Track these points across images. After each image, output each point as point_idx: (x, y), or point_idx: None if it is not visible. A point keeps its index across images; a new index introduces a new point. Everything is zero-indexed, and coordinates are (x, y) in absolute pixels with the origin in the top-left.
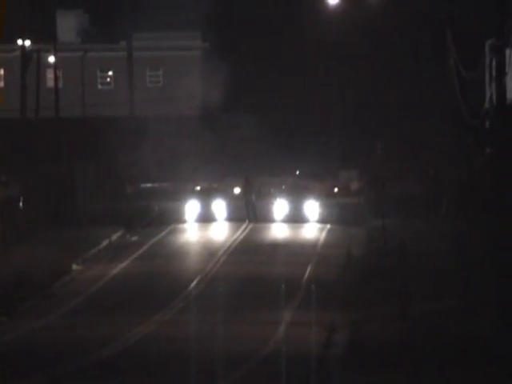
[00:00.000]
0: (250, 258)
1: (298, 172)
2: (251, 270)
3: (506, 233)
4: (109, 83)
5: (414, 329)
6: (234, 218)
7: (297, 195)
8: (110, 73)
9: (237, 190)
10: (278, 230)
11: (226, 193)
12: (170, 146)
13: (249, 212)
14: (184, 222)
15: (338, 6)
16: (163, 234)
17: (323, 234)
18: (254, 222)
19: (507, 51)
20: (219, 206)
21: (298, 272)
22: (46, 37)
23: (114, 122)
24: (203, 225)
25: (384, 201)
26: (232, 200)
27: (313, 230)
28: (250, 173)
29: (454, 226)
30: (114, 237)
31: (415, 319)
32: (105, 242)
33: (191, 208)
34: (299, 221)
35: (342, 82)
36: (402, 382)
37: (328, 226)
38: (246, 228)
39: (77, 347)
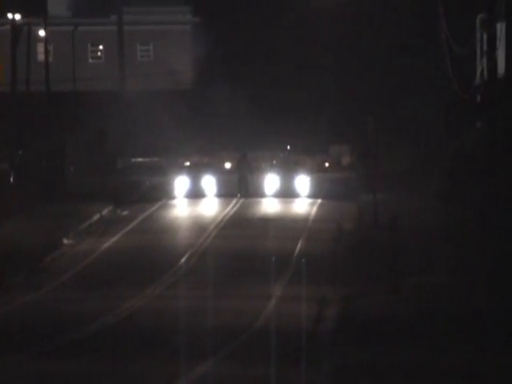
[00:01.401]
0: (241, 232)
1: (288, 147)
2: (242, 244)
3: (497, 205)
4: (99, 57)
5: (404, 303)
6: (225, 193)
7: (288, 170)
8: (101, 47)
9: (228, 165)
10: (269, 205)
11: (216, 168)
12: (160, 120)
13: (241, 187)
14: (174, 197)
15: None
16: (154, 208)
17: (314, 209)
18: (246, 197)
19: (498, 25)
20: (209, 182)
21: (289, 246)
22: (37, 10)
23: (105, 96)
24: (193, 200)
25: (375, 175)
26: (222, 175)
27: (304, 205)
28: (243, 147)
29: (445, 201)
30: (105, 211)
31: (406, 293)
32: (96, 217)
33: (181, 183)
34: (290, 195)
35: (332, 56)
36: (392, 356)
37: (319, 200)
38: (236, 203)
39: (68, 321)
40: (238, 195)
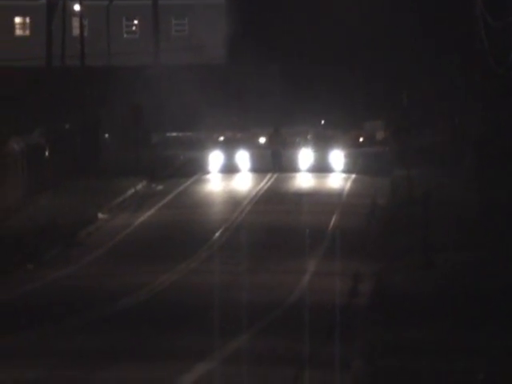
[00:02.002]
0: (275, 207)
1: (323, 122)
2: (276, 219)
3: None
4: (134, 32)
5: (438, 278)
6: (259, 168)
7: (322, 145)
8: (136, 21)
9: (262, 140)
10: (303, 180)
11: (250, 143)
12: (195, 95)
13: (275, 162)
14: (208, 172)
15: None
16: (188, 183)
17: (348, 184)
18: (279, 172)
19: None
20: (243, 156)
21: (323, 221)
22: None
23: (140, 70)
24: (227, 175)
25: (409, 150)
26: (256, 150)
27: (338, 180)
28: (275, 122)
29: (478, 176)
30: (140, 186)
31: (439, 269)
32: (130, 191)
33: (215, 158)
34: (324, 170)
35: (367, 34)
36: (426, 332)
37: (353, 175)
38: (270, 178)
39: (101, 296)
40: (272, 171)
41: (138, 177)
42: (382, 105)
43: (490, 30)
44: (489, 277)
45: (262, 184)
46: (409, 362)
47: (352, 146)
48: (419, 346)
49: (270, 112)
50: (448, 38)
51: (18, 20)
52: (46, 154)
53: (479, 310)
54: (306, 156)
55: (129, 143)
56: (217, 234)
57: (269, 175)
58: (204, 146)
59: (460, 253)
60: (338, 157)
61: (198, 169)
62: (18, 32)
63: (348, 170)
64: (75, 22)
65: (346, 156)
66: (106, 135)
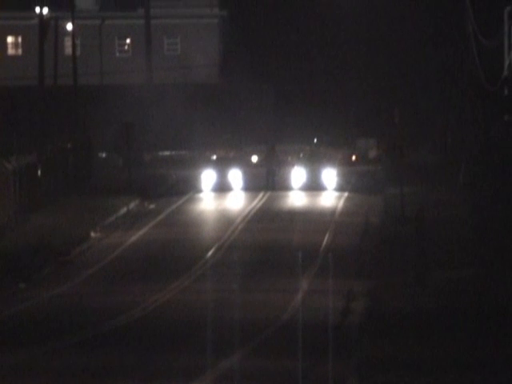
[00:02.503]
0: (268, 225)
1: (315, 140)
2: (269, 237)
3: None
4: (127, 51)
5: (430, 297)
6: (251, 186)
7: (315, 163)
8: (128, 40)
9: (254, 159)
10: (296, 198)
11: (242, 161)
12: (188, 114)
13: (268, 180)
14: (201, 190)
15: None
16: (181, 202)
17: (341, 202)
18: (273, 190)
19: None
20: (236, 175)
21: (316, 240)
22: (64, 4)
23: (132, 89)
24: (220, 194)
25: (402, 168)
26: (249, 168)
27: (331, 198)
28: (270, 140)
29: (472, 194)
30: (132, 205)
31: (433, 287)
32: (123, 210)
33: (208, 177)
34: (317, 189)
35: (359, 51)
36: (418, 349)
37: (346, 193)
38: (263, 196)
39: (94, 315)
40: (265, 189)
41: (131, 196)
42: (374, 123)
43: (482, 49)
44: (482, 294)
45: (254, 203)
46: (403, 379)
47: (344, 165)
48: (413, 363)
49: (263, 131)
50: (441, 56)
51: (10, 39)
52: (39, 173)
53: (472, 327)
54: (298, 174)
55: (121, 162)
56: (209, 253)
57: (261, 194)
58: (196, 164)
59: (453, 270)
60: (330, 175)
61: (190, 187)
62: (11, 51)
63: (340, 188)
64: (67, 42)
65: (338, 174)
66: (104, 154)
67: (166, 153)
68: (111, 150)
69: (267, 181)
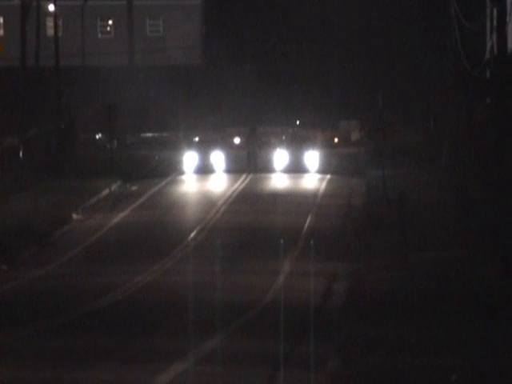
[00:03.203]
0: (251, 207)
1: (298, 122)
2: (251, 219)
3: (505, 182)
4: (109, 32)
5: (413, 278)
6: (234, 168)
7: (297, 145)
8: (110, 21)
9: (237, 140)
10: (279, 181)
11: (225, 143)
12: (170, 95)
13: (250, 162)
14: (183, 172)
15: None
16: (163, 183)
17: (323, 184)
18: (254, 172)
19: (508, 0)
20: (218, 157)
21: (299, 222)
22: None
23: (114, 71)
24: (202, 175)
25: (384, 150)
26: (231, 150)
27: (313, 181)
28: (251, 122)
29: (454, 176)
30: (114, 186)
31: (415, 268)
32: (105, 192)
33: (190, 159)
34: (299, 171)
35: (342, 34)
36: (400, 331)
37: (328, 176)
38: (245, 178)
39: (76, 296)
40: (247, 171)
41: (113, 177)
42: (357, 105)
43: (465, 32)
44: (465, 275)
45: (236, 185)
46: (384, 360)
47: (327, 147)
48: (395, 344)
49: (246, 112)
50: (423, 38)
51: None
52: (20, 154)
53: (455, 309)
54: (280, 156)
55: (103, 143)
56: (192, 235)
57: (244, 176)
58: (179, 146)
59: (436, 252)
60: (313, 157)
61: (172, 169)
62: None
63: (323, 170)
64: (49, 22)
65: (320, 156)
66: (99, 136)
67: (149, 134)
68: (96, 131)
69: (248, 163)
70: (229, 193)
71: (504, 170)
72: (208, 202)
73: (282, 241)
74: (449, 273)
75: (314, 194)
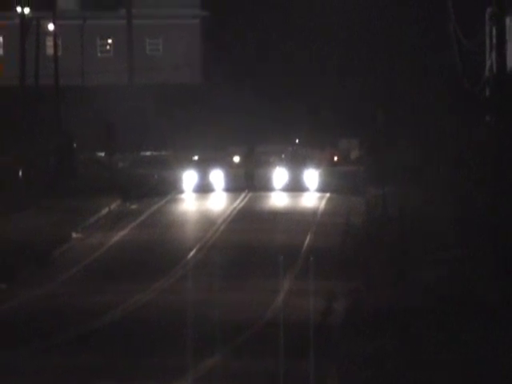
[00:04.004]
0: (250, 226)
1: (297, 141)
2: (251, 238)
3: (504, 198)
4: (108, 51)
5: (412, 295)
6: (233, 187)
7: (296, 164)
8: (110, 40)
9: (236, 159)
10: (278, 199)
11: (224, 162)
12: (169, 114)
13: (248, 181)
14: (183, 191)
15: None
16: (162, 202)
17: (323, 203)
18: (253, 191)
19: (507, 19)
20: (218, 176)
21: (298, 240)
22: (46, 4)
23: (114, 90)
24: (202, 194)
25: (384, 168)
26: (231, 169)
27: (312, 199)
28: (250, 142)
29: (454, 193)
30: (114, 205)
31: (414, 286)
32: (104, 211)
33: (189, 177)
34: (299, 189)
35: (342, 50)
36: (398, 348)
37: (328, 194)
38: (245, 197)
39: (76, 315)
40: (246, 190)
41: (112, 196)
42: (356, 123)
43: (464, 50)
44: (464, 291)
45: (236, 203)
46: (384, 376)
47: (326, 165)
48: (394, 361)
49: (245, 131)
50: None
51: None
52: (20, 173)
53: (453, 325)
54: (280, 175)
55: (103, 162)
56: (191, 253)
57: (243, 194)
58: (178, 165)
59: (435, 267)
60: (312, 176)
61: (172, 188)
62: None
63: (322, 188)
64: (49, 42)
65: (320, 175)
66: (102, 154)
67: (148, 153)
68: (98, 150)
69: (246, 183)
70: (228, 211)
71: (504, 186)
72: (207, 220)
73: (281, 259)
74: (446, 289)
75: (313, 213)
